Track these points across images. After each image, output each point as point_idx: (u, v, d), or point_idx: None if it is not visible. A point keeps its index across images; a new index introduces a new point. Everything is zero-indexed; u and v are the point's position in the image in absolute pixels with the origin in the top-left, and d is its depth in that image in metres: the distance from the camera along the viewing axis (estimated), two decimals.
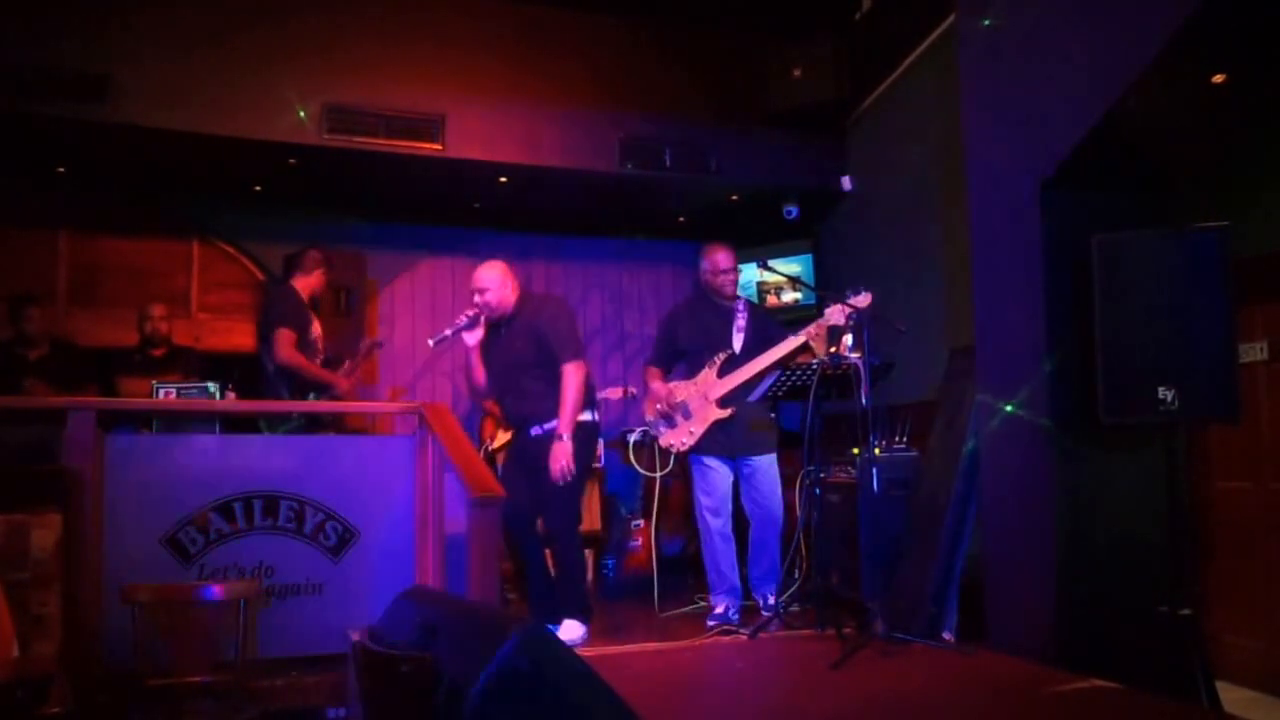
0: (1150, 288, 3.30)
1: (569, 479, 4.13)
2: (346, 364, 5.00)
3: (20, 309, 5.12)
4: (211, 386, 4.44)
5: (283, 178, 5.84)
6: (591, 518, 6.11)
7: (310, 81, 5.26)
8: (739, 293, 4.83)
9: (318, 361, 4.80)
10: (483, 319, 4.27)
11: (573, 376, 4.17)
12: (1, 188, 5.72)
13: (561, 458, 4.09)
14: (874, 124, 6.16)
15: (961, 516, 4.14)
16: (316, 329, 4.85)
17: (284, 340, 4.58)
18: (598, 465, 6.22)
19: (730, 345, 4.59)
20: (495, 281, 4.27)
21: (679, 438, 4.60)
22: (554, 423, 4.15)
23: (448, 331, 4.22)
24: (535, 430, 4.27)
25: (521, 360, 4.26)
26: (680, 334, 4.77)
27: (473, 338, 4.26)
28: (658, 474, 5.27)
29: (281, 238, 6.26)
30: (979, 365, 4.08)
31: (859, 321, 4.12)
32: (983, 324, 4.08)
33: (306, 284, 4.90)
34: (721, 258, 4.68)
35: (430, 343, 4.26)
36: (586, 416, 4.28)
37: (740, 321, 4.65)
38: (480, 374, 4.34)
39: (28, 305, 5.14)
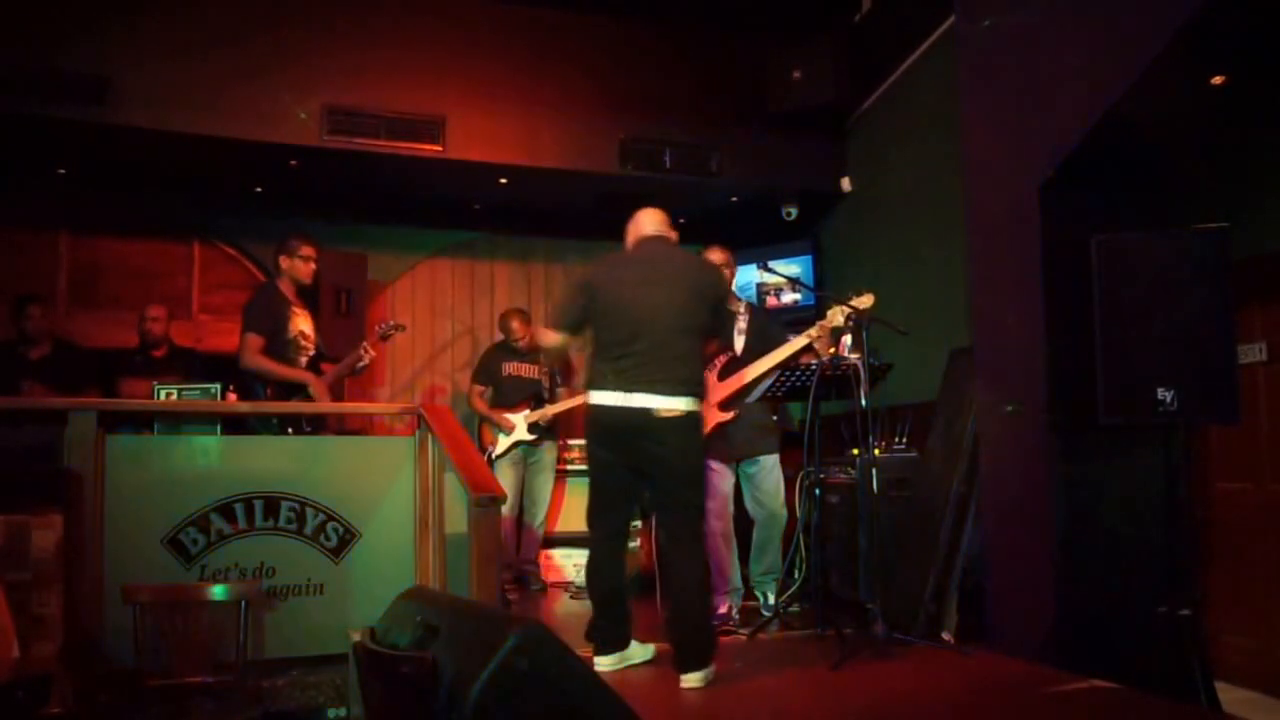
0: (1149, 288, 3.31)
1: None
2: (328, 368, 4.77)
3: (21, 307, 5.13)
4: (212, 387, 4.44)
5: (283, 179, 5.85)
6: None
7: (311, 83, 5.27)
8: (739, 295, 4.81)
9: (302, 360, 4.64)
10: None
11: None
12: (2, 189, 5.74)
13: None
14: (873, 125, 6.16)
15: (961, 517, 4.15)
16: (298, 326, 4.66)
17: (246, 345, 4.50)
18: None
19: (731, 347, 4.58)
20: None
21: None
22: (682, 401, 3.49)
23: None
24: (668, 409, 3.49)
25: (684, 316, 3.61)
26: None
27: None
28: None
29: (282, 239, 6.27)
30: (979, 366, 4.09)
31: (859, 323, 4.12)
32: (982, 325, 4.08)
33: (288, 277, 4.74)
34: (713, 255, 4.65)
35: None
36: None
37: (741, 324, 4.63)
38: None
39: (29, 304, 5.15)
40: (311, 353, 4.74)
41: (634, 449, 3.51)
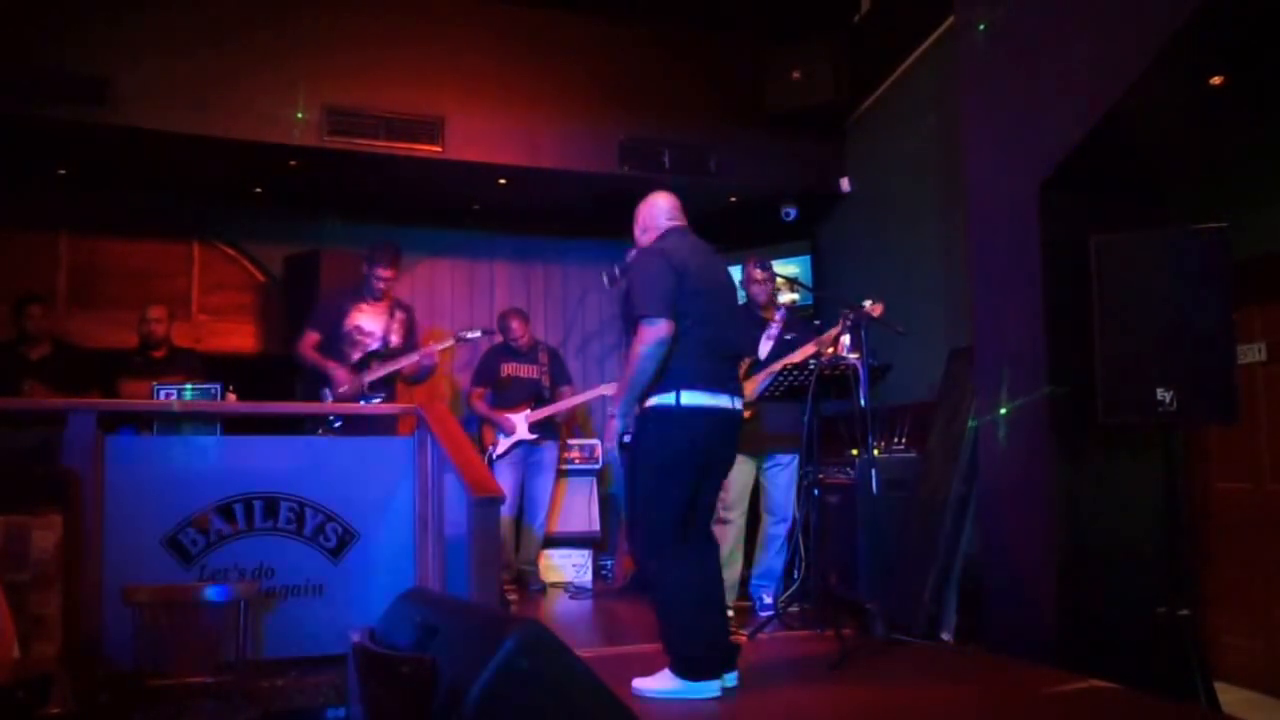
0: (1149, 288, 3.30)
1: None
2: (373, 365, 4.92)
3: (21, 307, 5.14)
4: (212, 388, 4.45)
5: (283, 179, 5.85)
6: (591, 519, 6.13)
7: (310, 83, 5.27)
8: (771, 301, 4.95)
9: (355, 354, 4.92)
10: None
11: None
12: (2, 189, 5.73)
13: None
14: (873, 126, 6.16)
15: (960, 517, 4.15)
16: (354, 321, 4.98)
17: (302, 338, 4.98)
18: (596, 465, 6.23)
19: (755, 352, 4.76)
20: None
21: None
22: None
23: None
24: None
25: None
26: None
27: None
28: None
29: (281, 239, 6.28)
30: (978, 366, 4.09)
31: (857, 322, 4.13)
32: (982, 325, 4.08)
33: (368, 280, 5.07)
34: (754, 270, 4.87)
35: None
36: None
37: (773, 330, 4.82)
38: None
39: (29, 304, 5.15)
40: (371, 346, 4.98)
41: (722, 454, 3.32)
